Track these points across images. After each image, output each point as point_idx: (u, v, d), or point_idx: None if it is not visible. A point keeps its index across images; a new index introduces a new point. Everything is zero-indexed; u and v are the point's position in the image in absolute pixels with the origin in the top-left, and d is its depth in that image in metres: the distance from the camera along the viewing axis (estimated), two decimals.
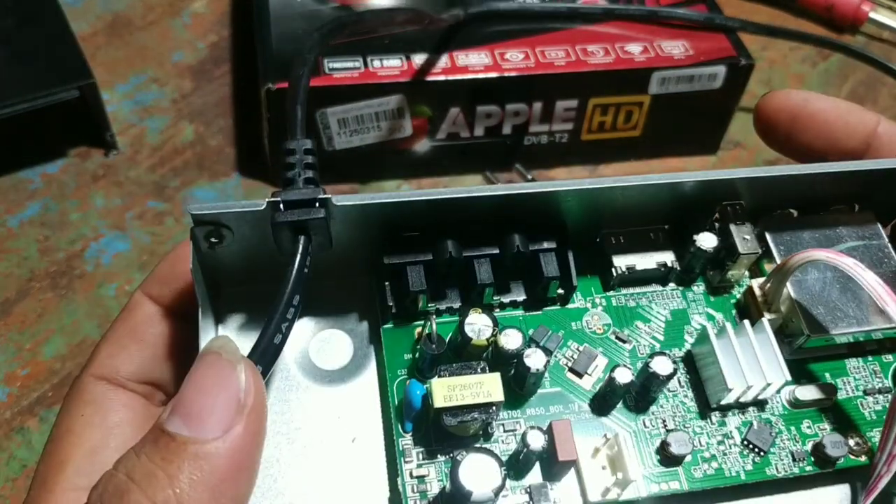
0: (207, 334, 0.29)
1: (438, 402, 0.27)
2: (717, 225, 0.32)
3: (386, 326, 0.31)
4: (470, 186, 0.29)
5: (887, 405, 0.32)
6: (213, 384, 0.23)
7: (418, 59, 0.54)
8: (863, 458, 0.31)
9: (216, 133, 0.61)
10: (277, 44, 0.54)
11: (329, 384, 0.31)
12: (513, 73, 0.54)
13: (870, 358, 0.33)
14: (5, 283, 0.51)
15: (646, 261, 0.32)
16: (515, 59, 0.55)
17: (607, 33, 0.58)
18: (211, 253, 0.29)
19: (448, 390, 0.27)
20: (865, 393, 0.32)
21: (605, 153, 0.62)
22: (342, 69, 0.53)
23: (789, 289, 0.31)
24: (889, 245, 0.33)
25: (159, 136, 0.60)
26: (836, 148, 0.34)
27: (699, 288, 0.33)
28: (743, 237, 0.31)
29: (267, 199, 0.27)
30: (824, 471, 0.31)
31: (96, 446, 0.28)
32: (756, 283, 0.32)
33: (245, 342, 0.29)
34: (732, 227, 0.31)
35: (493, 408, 0.28)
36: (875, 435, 0.31)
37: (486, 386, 0.28)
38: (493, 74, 0.54)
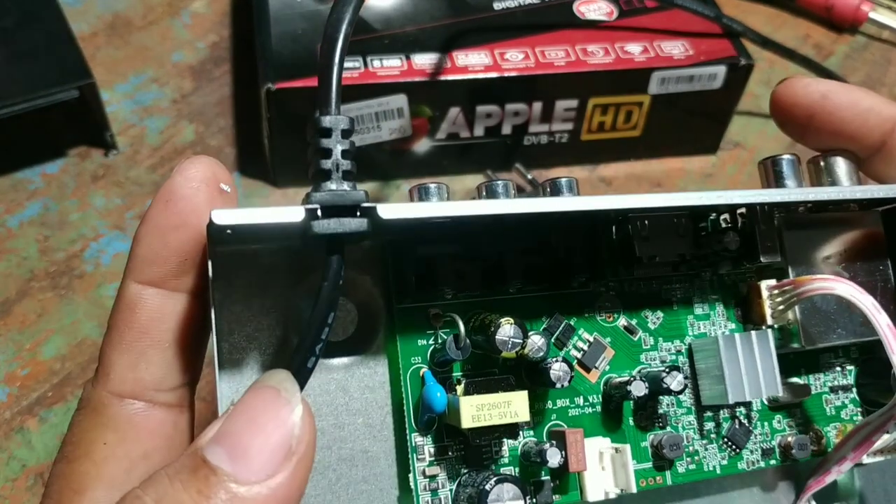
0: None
1: (466, 422, 0.27)
2: (739, 218, 0.32)
3: (401, 306, 0.29)
4: (541, 199, 0.27)
5: (846, 401, 0.34)
6: (266, 422, 0.21)
7: (418, 59, 0.54)
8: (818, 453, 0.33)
9: (216, 133, 0.61)
10: (277, 44, 0.54)
11: (330, 356, 0.29)
12: (513, 73, 0.54)
13: (840, 355, 0.34)
14: (5, 283, 0.51)
15: (667, 250, 0.31)
16: (515, 59, 0.55)
17: (607, 33, 0.58)
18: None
19: (476, 410, 0.27)
20: (831, 390, 0.34)
21: (605, 153, 0.62)
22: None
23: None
24: (889, 264, 0.34)
25: (159, 136, 0.60)
26: (851, 145, 0.33)
27: (706, 275, 0.33)
28: (766, 244, 0.31)
29: (304, 207, 0.23)
30: (784, 465, 0.32)
31: (118, 481, 0.26)
32: (764, 285, 0.32)
33: (247, 311, 0.28)
34: (758, 235, 0.31)
35: (519, 426, 0.28)
36: (831, 430, 0.33)
37: (514, 406, 0.27)
38: (493, 74, 0.54)
